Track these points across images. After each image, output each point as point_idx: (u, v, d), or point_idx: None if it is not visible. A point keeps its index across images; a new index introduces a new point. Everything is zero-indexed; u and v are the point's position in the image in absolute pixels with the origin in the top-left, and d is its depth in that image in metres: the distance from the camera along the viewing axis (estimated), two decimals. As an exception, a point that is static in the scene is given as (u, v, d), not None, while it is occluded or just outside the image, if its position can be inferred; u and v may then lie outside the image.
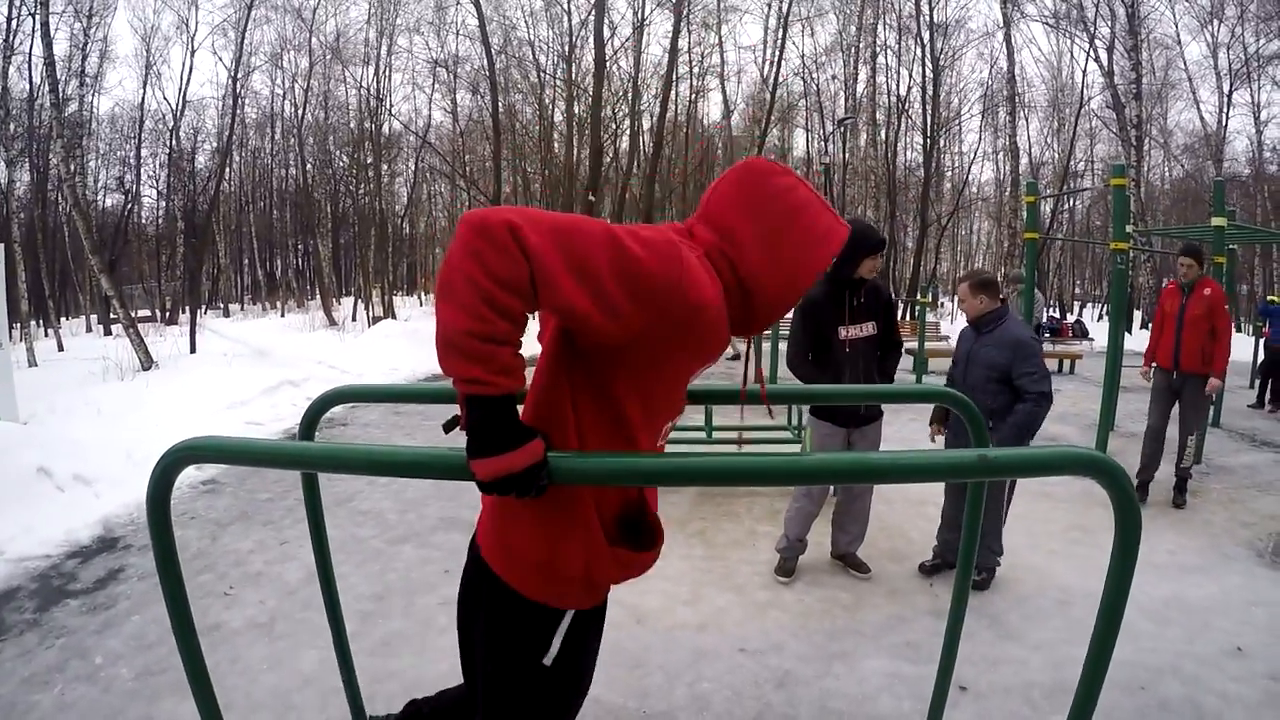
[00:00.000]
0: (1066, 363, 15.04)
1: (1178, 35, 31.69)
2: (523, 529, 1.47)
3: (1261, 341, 11.81)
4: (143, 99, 31.14)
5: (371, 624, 3.60)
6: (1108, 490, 1.37)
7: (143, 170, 32.89)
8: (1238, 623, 3.80)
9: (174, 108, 30.87)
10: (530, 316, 1.28)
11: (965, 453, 1.27)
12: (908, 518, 5.20)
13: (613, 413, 1.42)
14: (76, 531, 4.70)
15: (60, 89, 21.16)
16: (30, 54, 23.98)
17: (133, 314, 13.52)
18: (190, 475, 5.78)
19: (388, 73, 31.09)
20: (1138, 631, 3.57)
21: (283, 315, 29.82)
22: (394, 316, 24.73)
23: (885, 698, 3.04)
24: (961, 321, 9.53)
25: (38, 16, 12.84)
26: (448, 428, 1.43)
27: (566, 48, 26.73)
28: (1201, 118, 32.33)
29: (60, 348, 17.25)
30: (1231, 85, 30.88)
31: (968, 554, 2.18)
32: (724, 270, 1.44)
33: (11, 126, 24.72)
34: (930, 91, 31.20)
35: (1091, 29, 29.58)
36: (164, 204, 33.73)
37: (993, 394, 3.96)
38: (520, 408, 1.40)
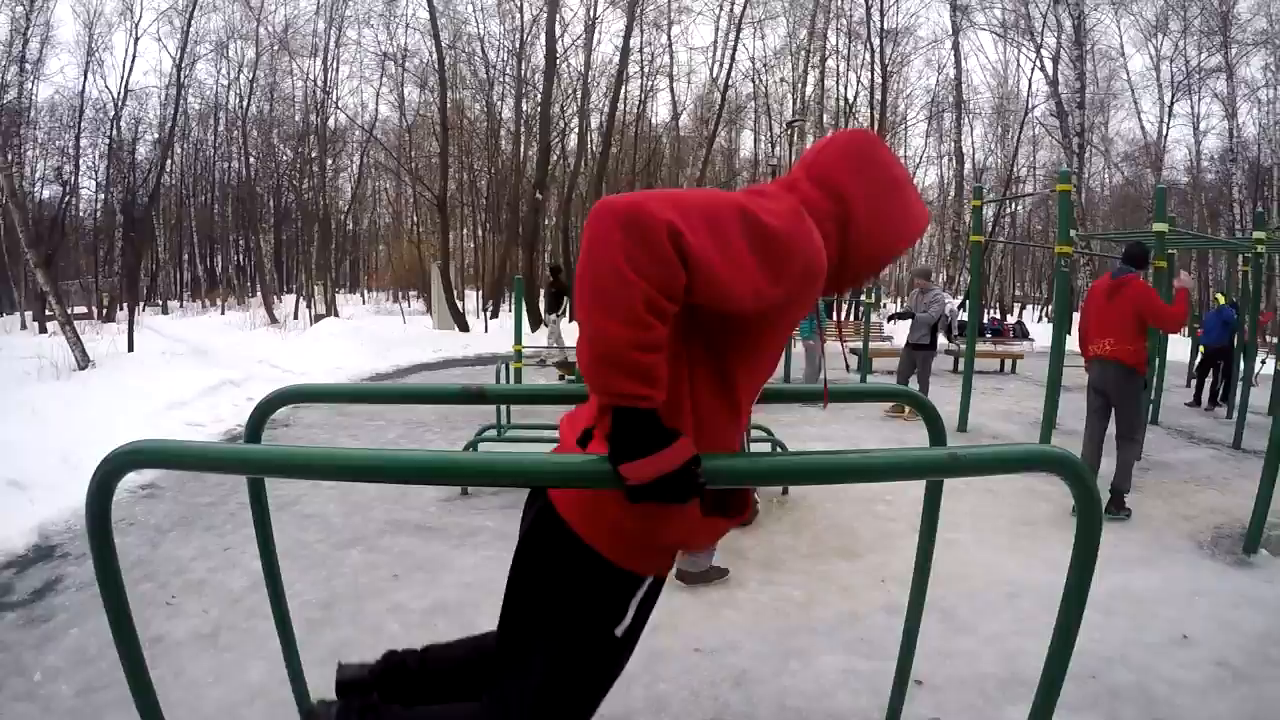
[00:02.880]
0: (1008, 362, 15.32)
1: (1122, 47, 32.85)
2: (624, 499, 1.37)
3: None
4: (84, 87, 30.04)
5: (319, 633, 3.47)
6: (1071, 486, 1.40)
7: (82, 161, 31.80)
8: (1182, 612, 3.90)
9: (115, 96, 29.97)
10: None
11: (937, 451, 1.29)
12: (857, 515, 5.25)
13: (724, 384, 1.40)
14: (11, 540, 4.50)
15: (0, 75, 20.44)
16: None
17: (69, 311, 13.12)
18: (128, 479, 5.41)
19: (335, 65, 30.72)
20: (1086, 622, 3.57)
21: (223, 313, 29.18)
22: (337, 314, 24.40)
23: (842, 694, 3.04)
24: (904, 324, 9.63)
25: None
26: (583, 442, 1.41)
27: (517, 44, 26.59)
28: (1143, 127, 33.54)
29: (-7, 346, 16.71)
30: (1173, 96, 32.09)
31: (924, 552, 2.19)
32: (827, 228, 1.42)
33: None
34: (878, 96, 31.64)
35: (1038, 39, 30.39)
36: (103, 197, 32.76)
37: None
38: None
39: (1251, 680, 3.25)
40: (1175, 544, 5.01)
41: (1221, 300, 12.07)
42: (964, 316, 12.03)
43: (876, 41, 31.61)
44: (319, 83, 29.29)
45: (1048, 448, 1.39)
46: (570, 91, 27.47)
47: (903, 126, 35.03)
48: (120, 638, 1.66)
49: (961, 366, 9.71)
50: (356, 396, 2.37)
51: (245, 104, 31.40)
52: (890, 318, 10.19)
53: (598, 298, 1.14)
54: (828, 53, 33.13)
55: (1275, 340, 11.34)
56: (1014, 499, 5.66)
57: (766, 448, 5.60)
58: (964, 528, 5.01)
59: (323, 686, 2.87)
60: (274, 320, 23.68)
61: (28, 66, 27.93)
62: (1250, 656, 3.45)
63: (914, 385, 9.12)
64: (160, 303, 33.69)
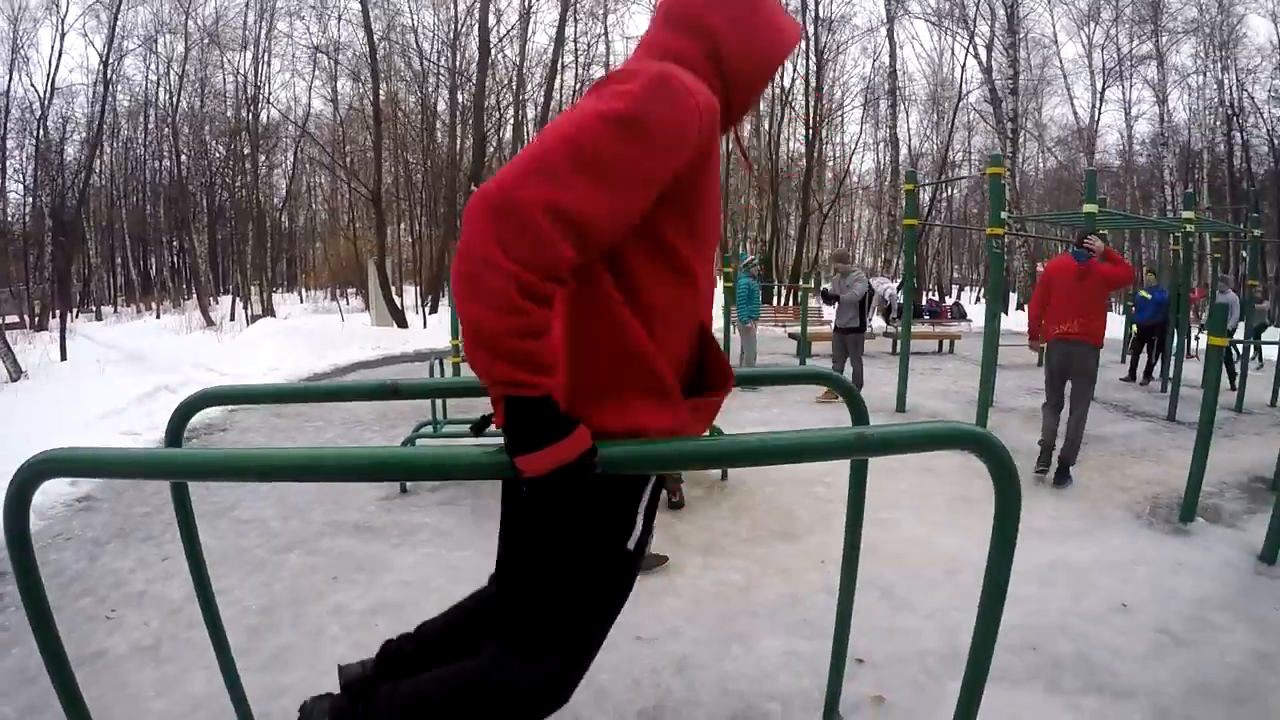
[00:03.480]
0: (946, 343, 15.57)
1: (1055, 35, 33.75)
2: (603, 407, 1.35)
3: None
4: (9, 86, 29.01)
5: (260, 639, 3.42)
6: (986, 463, 1.40)
7: (8, 163, 30.62)
8: (1121, 581, 4.00)
9: (42, 95, 29.03)
10: None
11: (844, 431, 1.28)
12: (796, 497, 5.29)
13: (668, 258, 1.35)
14: (-50, 563, 4.36)
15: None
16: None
17: (0, 320, 12.76)
18: (64, 492, 5.46)
19: (267, 59, 30.08)
20: (1025, 595, 3.69)
21: (158, 316, 28.43)
22: (273, 314, 23.96)
23: (784, 675, 3.06)
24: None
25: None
26: (478, 429, 1.36)
27: (451, 34, 26.26)
28: (1075, 113, 34.35)
29: (-81, 359, 16.18)
30: (1104, 83, 32.97)
31: (853, 533, 2.22)
32: (700, 66, 1.39)
33: None
34: (814, 84, 31.84)
35: (972, 27, 30.87)
36: (31, 200, 31.71)
37: None
38: None
39: (1190, 645, 3.34)
40: (1113, 515, 5.14)
41: (1153, 278, 12.42)
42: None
43: (812, 29, 31.76)
44: (250, 78, 28.66)
45: (961, 425, 1.38)
46: (506, 82, 27.27)
47: (839, 114, 35.29)
48: (47, 652, 1.63)
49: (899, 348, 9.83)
50: (274, 396, 2.33)
51: (175, 100, 30.62)
52: (820, 294, 10.12)
53: (471, 288, 1.11)
54: (763, 40, 33.17)
55: (1204, 317, 11.68)
56: (952, 476, 5.74)
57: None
58: (902, 506, 5.10)
59: (266, 694, 2.85)
60: (210, 323, 23.16)
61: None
62: (1189, 622, 3.55)
63: (849, 369, 9.25)
64: (94, 308, 32.73)
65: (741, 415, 8.13)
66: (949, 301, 24.10)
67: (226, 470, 1.47)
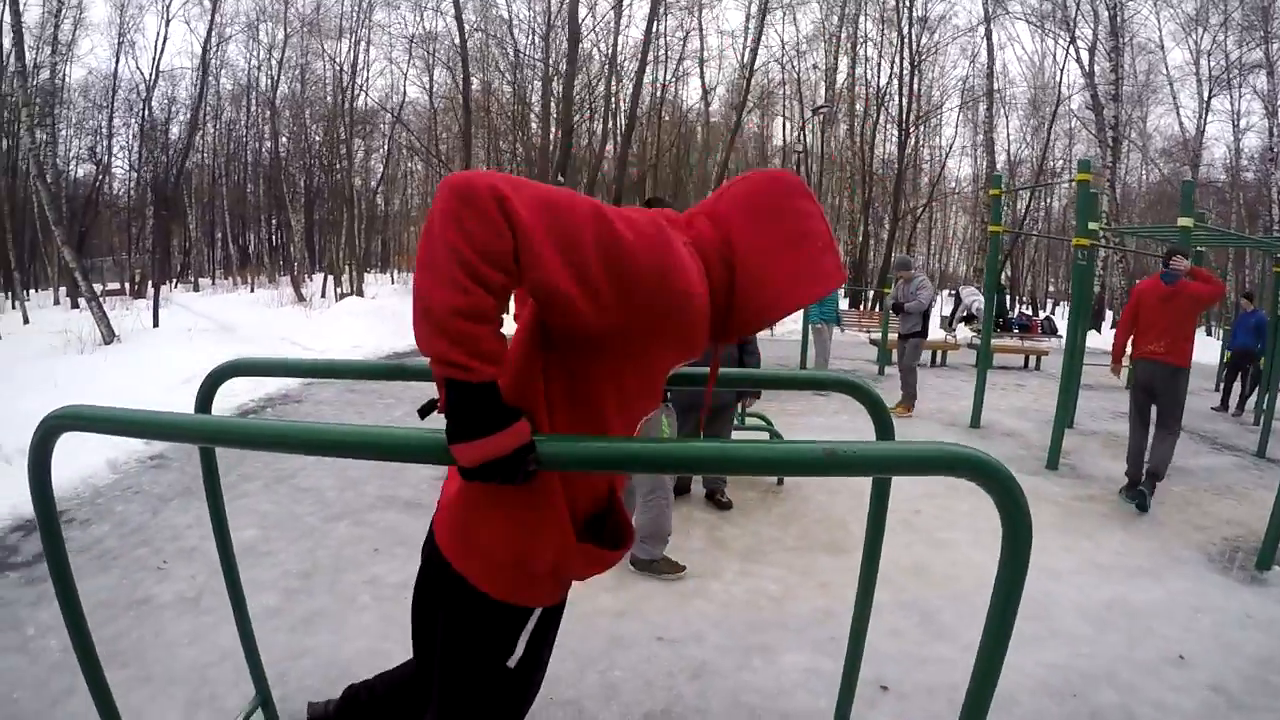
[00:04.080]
0: (1033, 359, 15.13)
1: (1160, 40, 31.86)
2: (492, 526, 1.40)
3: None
4: (115, 68, 30.55)
5: (295, 601, 3.56)
6: (989, 492, 1.28)
7: (115, 141, 32.35)
8: (1182, 629, 3.72)
9: (147, 77, 30.37)
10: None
11: (812, 446, 1.20)
12: (850, 509, 5.13)
13: (587, 401, 1.35)
14: (21, 506, 4.53)
15: (27, 56, 20.66)
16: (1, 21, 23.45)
17: (101, 287, 13.39)
18: (138, 450, 5.77)
19: (366, 47, 30.82)
20: (1075, 635, 3.54)
21: (252, 290, 29.58)
22: (361, 294, 24.55)
23: (801, 693, 2.97)
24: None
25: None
26: (424, 412, 1.35)
27: (545, 26, 26.50)
28: (1181, 123, 32.56)
29: (26, 320, 17.16)
30: (1211, 92, 31.09)
31: (871, 551, 2.14)
32: (714, 267, 1.37)
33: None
34: (909, 85, 31.19)
35: (1073, 29, 29.77)
36: (135, 175, 33.25)
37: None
38: None
39: (1246, 709, 3.05)
40: (1183, 555, 4.78)
41: (1249, 303, 11.83)
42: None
43: (908, 28, 31.12)
44: (347, 65, 29.44)
45: (956, 447, 1.25)
46: (600, 74, 27.45)
47: (936, 115, 34.53)
48: (67, 608, 1.77)
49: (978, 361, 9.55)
50: (297, 370, 2.40)
51: (275, 85, 31.65)
52: (893, 307, 9.94)
53: (424, 262, 1.12)
54: (860, 39, 32.70)
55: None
56: (1017, 499, 5.53)
57: (764, 436, 5.54)
58: (961, 527, 4.91)
59: (290, 654, 2.98)
60: (301, 299, 23.90)
61: (60, 48, 28.37)
62: (1248, 682, 3.25)
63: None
64: (192, 280, 34.16)
65: (810, 420, 8.03)
66: (1040, 315, 23.40)
67: (227, 437, 1.54)
